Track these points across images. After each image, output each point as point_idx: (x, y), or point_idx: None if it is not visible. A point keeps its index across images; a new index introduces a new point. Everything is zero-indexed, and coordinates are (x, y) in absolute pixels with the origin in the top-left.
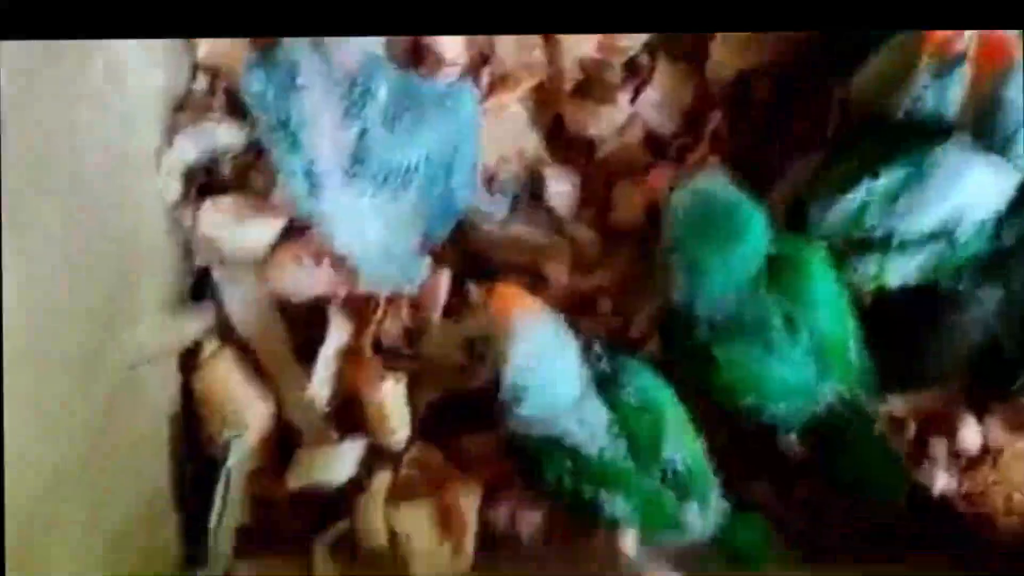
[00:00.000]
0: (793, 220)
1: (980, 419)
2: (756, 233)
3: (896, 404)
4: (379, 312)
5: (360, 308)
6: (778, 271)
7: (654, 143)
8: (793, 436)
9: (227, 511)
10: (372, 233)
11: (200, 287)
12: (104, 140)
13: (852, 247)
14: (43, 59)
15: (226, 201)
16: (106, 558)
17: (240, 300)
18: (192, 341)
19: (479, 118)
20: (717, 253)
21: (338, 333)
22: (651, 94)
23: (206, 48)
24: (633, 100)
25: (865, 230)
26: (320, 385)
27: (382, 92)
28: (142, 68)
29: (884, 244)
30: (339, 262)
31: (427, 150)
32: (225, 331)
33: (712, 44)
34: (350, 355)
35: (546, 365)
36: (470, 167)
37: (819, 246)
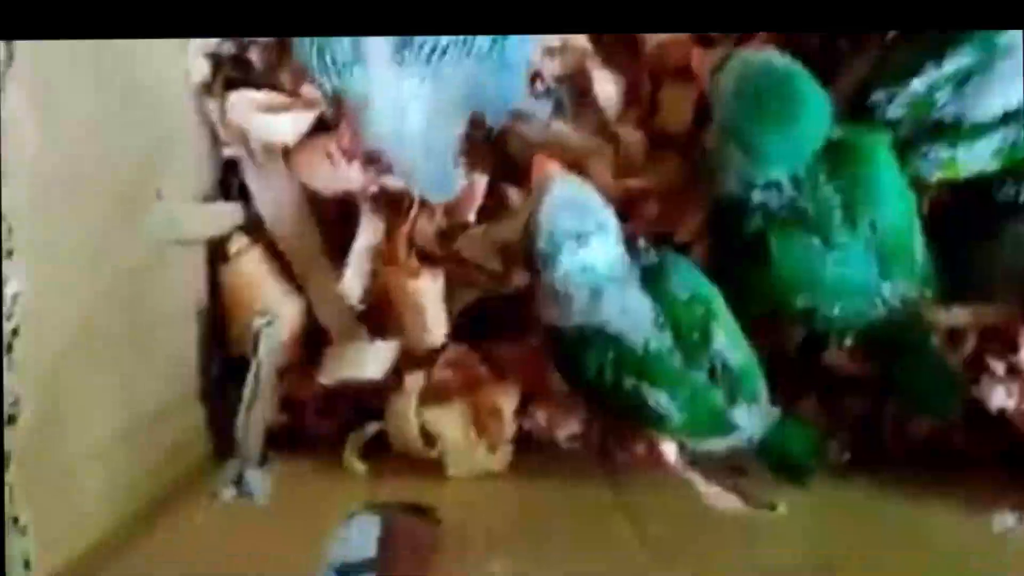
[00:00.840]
0: (857, 111)
1: None
2: (816, 108)
3: (956, 315)
4: (413, 210)
5: (393, 205)
6: (839, 158)
7: (706, 37)
8: (847, 343)
9: (256, 404)
10: (414, 123)
11: (227, 183)
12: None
13: (921, 134)
14: None
15: (256, 94)
16: (133, 438)
17: (269, 194)
18: (220, 234)
19: None
20: (774, 129)
21: (370, 229)
22: None
23: None
24: None
25: (934, 114)
26: (351, 281)
27: None
28: None
29: (954, 128)
30: (372, 158)
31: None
32: (253, 227)
33: None
34: (383, 253)
35: (582, 219)
36: (522, 59)
37: (885, 133)
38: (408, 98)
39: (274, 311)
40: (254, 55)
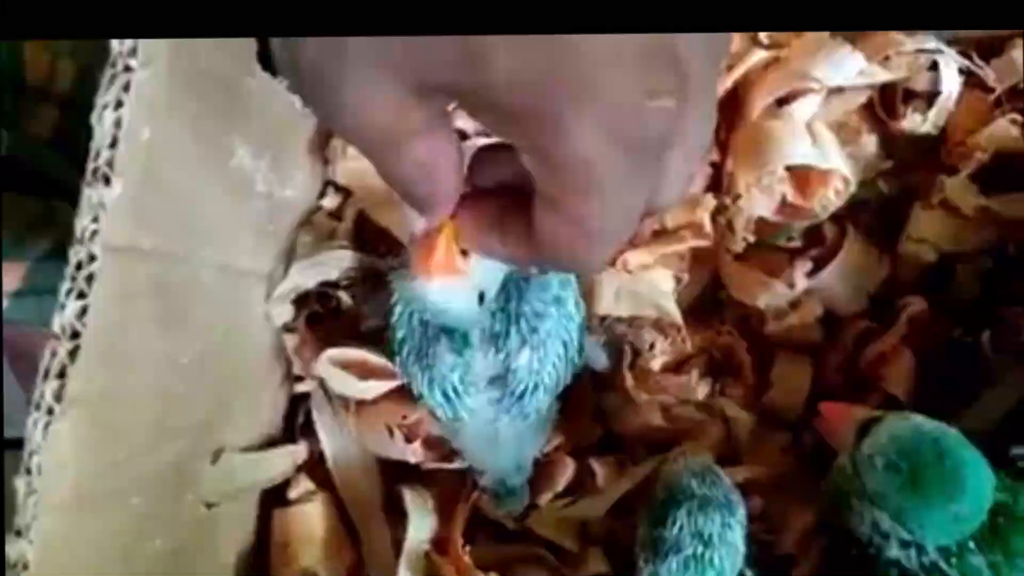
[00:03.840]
0: (990, 455)
1: None
2: (980, 482)
3: None
4: (473, 496)
5: (451, 488)
6: (994, 525)
7: (829, 324)
8: None
9: None
10: (504, 448)
11: (292, 417)
12: (223, 254)
13: None
14: (180, 151)
15: (348, 354)
16: None
17: (336, 439)
18: (282, 478)
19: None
20: (936, 508)
21: (421, 524)
22: (834, 269)
23: (342, 166)
24: (812, 274)
25: None
26: None
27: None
28: (269, 179)
29: None
30: (434, 441)
31: (552, 357)
32: (316, 471)
33: (911, 221)
34: (436, 539)
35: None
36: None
37: None
38: (499, 433)
39: (322, 570)
40: (343, 294)
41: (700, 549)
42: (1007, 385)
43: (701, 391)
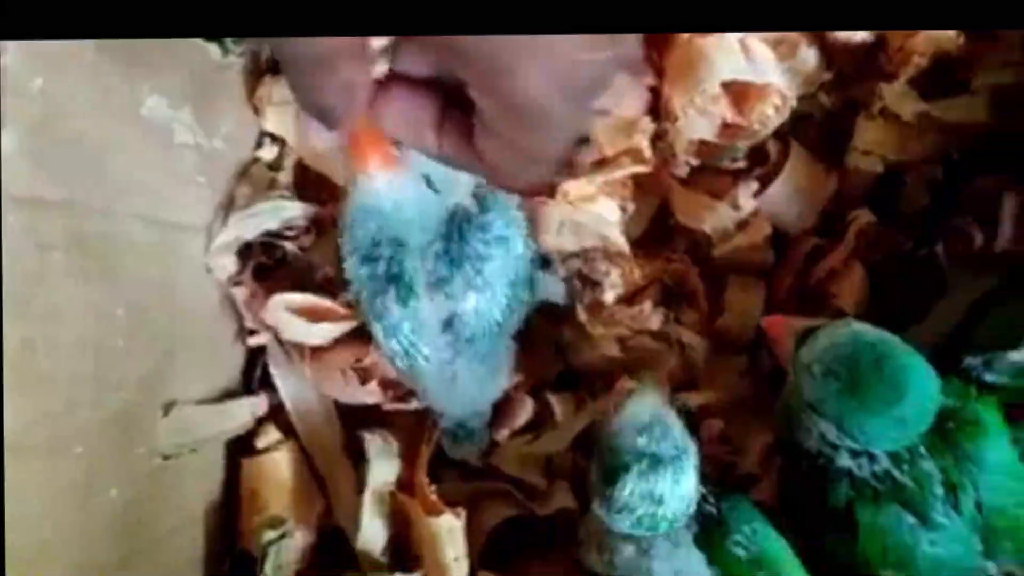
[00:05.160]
0: (942, 364)
1: None
2: (923, 387)
3: None
4: (435, 435)
5: (413, 427)
6: (943, 431)
7: (780, 243)
8: None
9: None
10: (462, 390)
11: (250, 371)
12: (149, 207)
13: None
14: (82, 101)
15: (295, 298)
16: None
17: (294, 389)
18: (242, 430)
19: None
20: (877, 414)
21: (383, 466)
22: (780, 187)
23: (271, 116)
24: (758, 193)
25: None
26: (369, 526)
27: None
28: (194, 129)
29: None
30: (390, 382)
31: (500, 298)
32: (281, 421)
33: (855, 132)
34: (402, 479)
35: (660, 442)
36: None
37: (993, 404)
38: (456, 375)
39: (291, 521)
40: (288, 244)
41: (652, 508)
42: (959, 294)
43: (655, 321)
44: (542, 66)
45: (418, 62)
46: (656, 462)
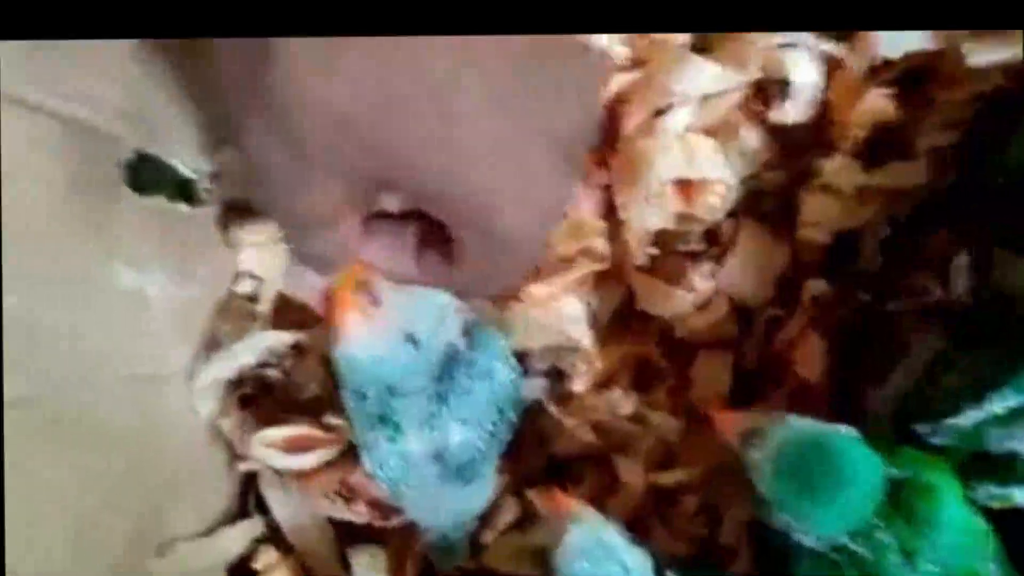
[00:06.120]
0: (899, 433)
1: None
2: (867, 475)
3: None
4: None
5: (403, 539)
6: (895, 497)
7: (743, 316)
8: None
9: None
10: (448, 509)
11: (245, 494)
12: (126, 367)
13: (970, 465)
14: (54, 270)
15: (276, 432)
16: None
17: (288, 509)
18: (239, 555)
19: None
20: (823, 504)
21: None
22: (734, 264)
23: (247, 253)
24: (715, 272)
25: (985, 446)
26: None
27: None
28: (168, 285)
29: (1008, 465)
30: (376, 501)
31: (488, 426)
32: (279, 541)
33: (802, 205)
34: None
35: (604, 565)
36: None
37: (942, 465)
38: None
39: None
40: (270, 371)
41: None
42: (915, 354)
43: (627, 405)
44: (524, 204)
45: (398, 203)
46: None
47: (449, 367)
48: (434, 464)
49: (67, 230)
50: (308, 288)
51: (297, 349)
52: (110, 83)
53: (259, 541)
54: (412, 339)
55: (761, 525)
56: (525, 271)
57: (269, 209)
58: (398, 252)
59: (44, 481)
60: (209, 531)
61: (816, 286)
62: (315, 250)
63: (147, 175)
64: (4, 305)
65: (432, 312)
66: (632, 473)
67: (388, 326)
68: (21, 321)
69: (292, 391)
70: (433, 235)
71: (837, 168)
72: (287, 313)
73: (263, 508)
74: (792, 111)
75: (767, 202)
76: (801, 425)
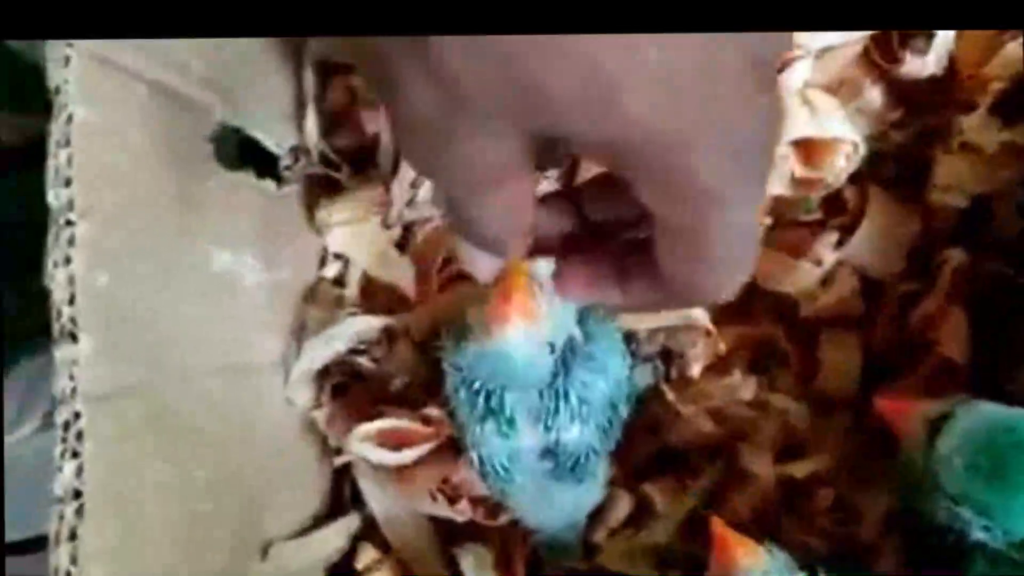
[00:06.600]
0: None
1: None
2: None
3: None
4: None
5: (507, 537)
6: None
7: (871, 291)
8: None
9: None
10: (558, 509)
11: (339, 489)
12: (223, 356)
13: None
14: (148, 283)
15: (373, 428)
16: None
17: (388, 507)
18: (337, 555)
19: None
20: (1018, 502)
21: None
22: (862, 235)
23: (334, 235)
24: (839, 244)
25: None
26: None
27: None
28: (259, 267)
29: None
30: (480, 499)
31: (603, 422)
32: (376, 537)
33: (935, 168)
34: None
35: None
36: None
37: None
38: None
39: None
40: (361, 359)
41: None
42: None
43: (747, 389)
44: (716, 144)
45: (596, 206)
46: None
47: (567, 361)
48: (544, 460)
49: (160, 207)
50: (486, 271)
51: (387, 333)
52: (196, 49)
53: (356, 538)
54: (552, 345)
55: (909, 520)
56: (741, 262)
57: (427, 171)
58: (600, 285)
59: (151, 482)
60: (305, 530)
61: (955, 256)
62: (481, 226)
63: (235, 150)
64: (96, 284)
65: (569, 319)
66: (760, 464)
67: (540, 331)
68: (118, 303)
69: (382, 380)
70: (633, 259)
71: (977, 125)
72: (374, 296)
73: (358, 503)
74: (928, 64)
75: (891, 166)
76: (989, 409)
